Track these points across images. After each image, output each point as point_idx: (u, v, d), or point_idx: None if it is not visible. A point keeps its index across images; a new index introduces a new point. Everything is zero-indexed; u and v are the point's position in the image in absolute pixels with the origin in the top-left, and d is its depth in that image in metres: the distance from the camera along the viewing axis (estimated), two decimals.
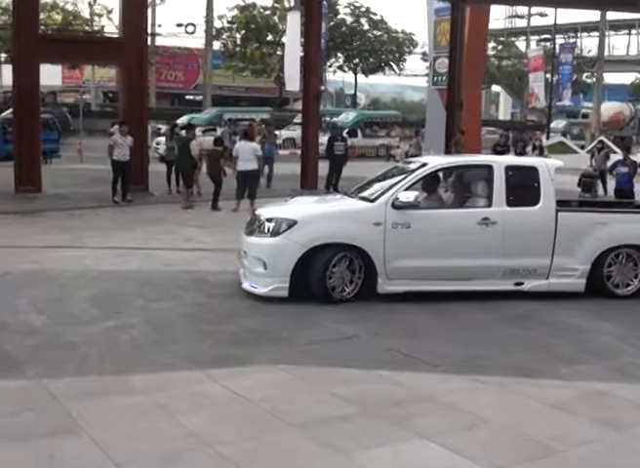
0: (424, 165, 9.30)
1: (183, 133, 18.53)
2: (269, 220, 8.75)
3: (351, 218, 8.82)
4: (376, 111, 57.41)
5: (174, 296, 8.82)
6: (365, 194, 9.30)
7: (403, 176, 9.11)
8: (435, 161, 9.66)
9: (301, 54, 23.63)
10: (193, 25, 44.85)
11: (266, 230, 8.69)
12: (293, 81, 27.22)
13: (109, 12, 53.47)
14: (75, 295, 8.74)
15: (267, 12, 55.92)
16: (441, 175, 9.69)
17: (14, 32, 18.91)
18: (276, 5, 54.80)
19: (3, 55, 53.10)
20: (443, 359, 6.75)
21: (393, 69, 63.68)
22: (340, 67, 62.43)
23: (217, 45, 53.80)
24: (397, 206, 8.67)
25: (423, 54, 58.33)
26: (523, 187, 9.19)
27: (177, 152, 17.80)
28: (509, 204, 8.93)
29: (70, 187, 19.85)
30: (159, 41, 51.10)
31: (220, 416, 5.39)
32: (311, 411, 5.50)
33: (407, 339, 7.35)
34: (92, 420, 5.25)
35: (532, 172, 9.19)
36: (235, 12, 55.26)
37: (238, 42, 55.71)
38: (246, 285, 8.80)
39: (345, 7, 60.08)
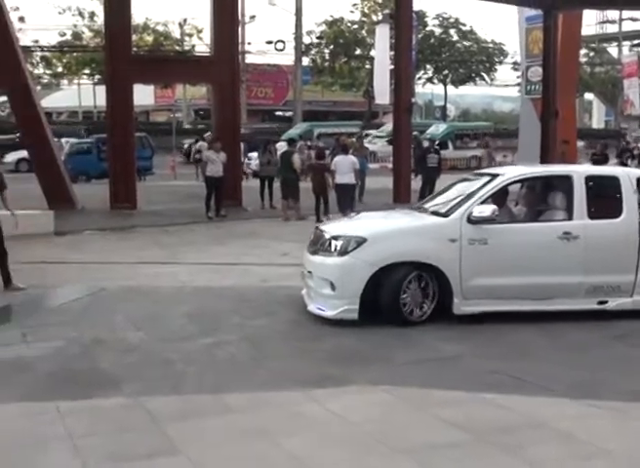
0: (498, 176, 8.75)
1: (282, 145, 18.52)
2: (336, 238, 8.27)
3: (425, 235, 8.32)
4: (467, 123, 56.66)
5: (270, 313, 8.69)
6: (435, 208, 8.82)
7: (476, 189, 8.57)
8: (510, 172, 9.11)
9: (391, 66, 23.44)
10: (283, 42, 45.31)
11: (333, 248, 8.20)
12: (382, 94, 27.16)
13: (199, 31, 54.66)
14: (171, 312, 8.72)
15: (355, 26, 56.00)
16: (517, 186, 9.19)
17: (107, 54, 19.38)
18: (364, 19, 54.82)
19: (97, 76, 54.92)
20: (553, 382, 6.35)
21: (484, 79, 62.80)
22: (430, 79, 61.95)
23: (305, 60, 54.18)
24: (473, 220, 8.12)
25: (514, 63, 57.39)
26: (604, 198, 8.64)
27: (280, 166, 18.00)
28: (591, 216, 8.39)
29: (164, 204, 20.14)
30: (249, 58, 51.87)
31: (321, 439, 5.19)
32: (416, 436, 5.23)
33: (511, 360, 6.98)
34: (190, 441, 5.12)
35: (613, 181, 8.63)
36: (323, 27, 55.56)
37: (327, 57, 55.95)
38: (312, 307, 8.37)
39: (434, 18, 59.68)
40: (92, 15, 52.88)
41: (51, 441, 5.17)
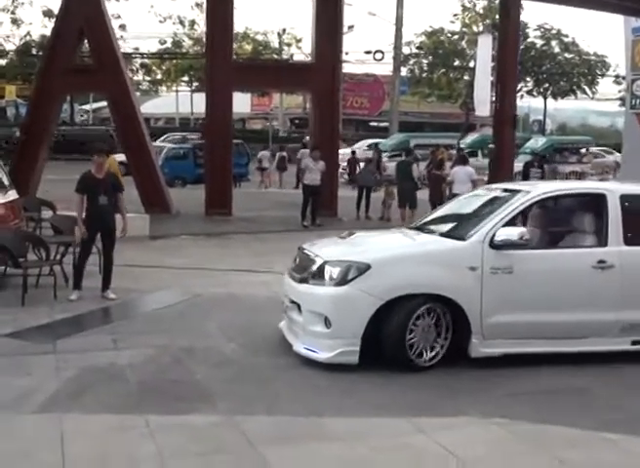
0: (521, 192, 7.51)
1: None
2: (331, 264, 6.91)
3: (439, 261, 6.95)
4: (566, 136, 54.98)
5: None
6: (448, 229, 7.61)
7: (500, 207, 7.34)
8: (538, 188, 7.82)
9: (492, 78, 22.76)
10: (381, 52, 44.85)
11: (327, 276, 6.84)
12: (483, 106, 26.34)
13: (298, 41, 54.79)
14: (264, 322, 8.35)
15: (455, 36, 55.17)
16: (546, 205, 7.93)
17: (208, 60, 19.30)
18: (464, 29, 53.93)
19: (195, 83, 55.75)
20: None
21: (586, 93, 60.95)
22: (530, 92, 60.49)
23: (403, 71, 53.69)
24: (497, 245, 6.87)
25: (616, 76, 55.43)
26: None
27: (396, 175, 18.71)
28: (627, 242, 7.21)
29: (259, 211, 19.95)
30: (345, 68, 51.65)
31: None
32: None
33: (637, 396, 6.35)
34: None
35: None
36: (423, 38, 54.94)
37: (425, 68, 55.28)
38: (298, 347, 7.01)
39: (535, 29, 58.23)
40: (192, 23, 53.75)
41: (141, 460, 4.87)
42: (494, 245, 6.88)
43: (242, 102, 50.36)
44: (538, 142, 40.07)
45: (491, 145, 31.54)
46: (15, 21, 48.16)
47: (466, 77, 51.50)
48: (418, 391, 6.32)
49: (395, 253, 7.22)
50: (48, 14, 44.19)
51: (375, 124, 61.92)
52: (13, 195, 10.91)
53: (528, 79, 59.45)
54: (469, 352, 6.91)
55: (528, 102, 67.85)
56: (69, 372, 6.64)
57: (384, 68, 51.68)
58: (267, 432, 5.35)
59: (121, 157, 18.58)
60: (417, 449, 5.11)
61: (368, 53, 46.32)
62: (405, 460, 4.93)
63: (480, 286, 6.81)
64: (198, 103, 46.51)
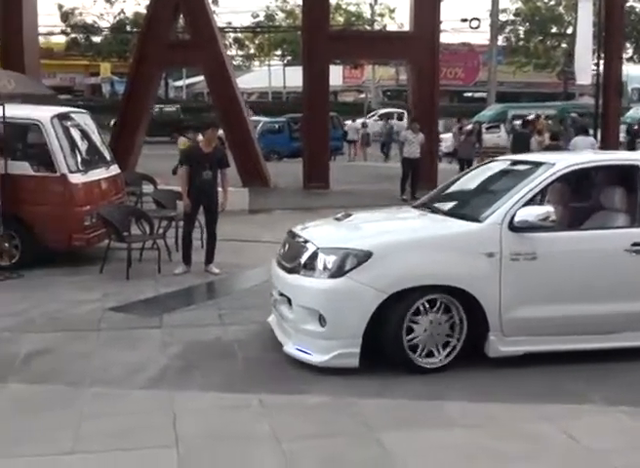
0: (544, 164, 6.51)
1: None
2: (325, 251, 6.01)
3: (452, 247, 6.03)
4: None
5: None
6: (461, 209, 6.80)
7: (520, 183, 6.36)
8: (564, 160, 6.69)
9: (592, 45, 21.82)
10: (478, 20, 43.65)
11: (321, 266, 5.95)
12: (584, 74, 25.28)
13: (392, 11, 53.98)
14: None
15: (552, 2, 53.33)
16: (572, 179, 6.82)
17: (304, 32, 19.13)
18: None
19: (288, 57, 55.66)
20: None
21: None
22: (631, 58, 58.04)
23: (499, 40, 52.27)
24: (518, 227, 5.96)
25: None
26: None
27: (512, 147, 17.80)
28: None
29: (356, 184, 19.71)
30: (440, 37, 50.59)
31: None
32: None
33: None
34: (409, 456, 4.53)
35: None
36: (519, 4, 53.30)
37: (521, 36, 53.68)
38: (289, 348, 6.18)
39: None
40: None
41: (257, 442, 4.73)
42: (514, 227, 5.97)
43: (334, 75, 50.01)
44: (638, 111, 38.43)
45: (573, 114, 30.48)
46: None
47: (564, 45, 49.80)
48: (543, 374, 5.96)
49: (400, 239, 6.21)
50: None
51: (469, 94, 60.64)
52: (115, 170, 10.97)
53: (628, 45, 56.99)
54: (487, 352, 6.05)
55: (626, 70, 65.19)
56: (176, 348, 6.61)
57: (479, 37, 50.44)
58: (382, 415, 5.13)
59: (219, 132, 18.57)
60: (544, 439, 4.78)
61: (464, 21, 45.17)
62: (532, 451, 4.62)
63: (499, 275, 5.91)
64: (291, 77, 46.48)
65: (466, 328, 5.98)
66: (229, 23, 54.27)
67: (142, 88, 18.35)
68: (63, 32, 52.07)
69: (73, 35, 51.95)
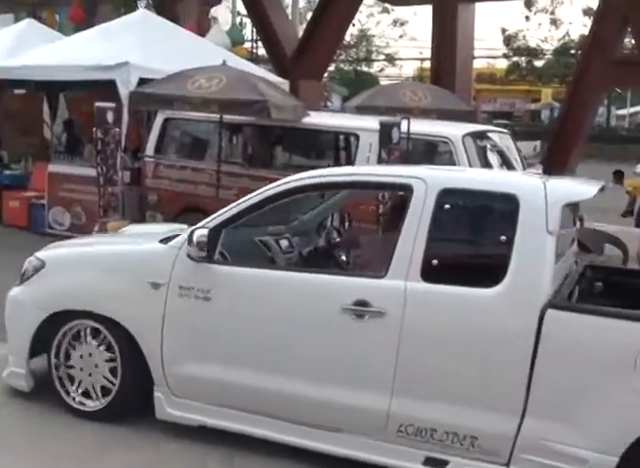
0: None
1: None
2: (33, 258, 5.42)
3: (122, 268, 4.94)
4: None
5: None
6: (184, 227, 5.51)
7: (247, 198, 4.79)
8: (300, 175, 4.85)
9: None
10: None
11: (22, 271, 5.39)
12: None
13: None
14: None
15: None
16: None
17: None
18: None
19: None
20: None
21: None
22: None
23: None
24: (191, 254, 4.61)
25: None
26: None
27: None
28: (424, 276, 4.18)
29: None
30: None
31: None
32: None
33: None
34: None
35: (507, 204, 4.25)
36: None
37: None
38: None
39: None
40: None
41: None
42: (189, 254, 4.63)
43: None
44: None
45: None
46: (554, 22, 48.28)
47: None
48: None
49: (75, 252, 5.50)
50: (587, 12, 43.19)
51: None
52: None
53: None
54: (155, 411, 4.82)
55: None
56: None
57: None
58: None
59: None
60: None
61: None
62: None
63: (162, 312, 4.66)
64: None
65: (124, 373, 4.83)
66: None
67: (579, 110, 16.66)
68: (505, 56, 52.28)
69: (515, 59, 51.93)
